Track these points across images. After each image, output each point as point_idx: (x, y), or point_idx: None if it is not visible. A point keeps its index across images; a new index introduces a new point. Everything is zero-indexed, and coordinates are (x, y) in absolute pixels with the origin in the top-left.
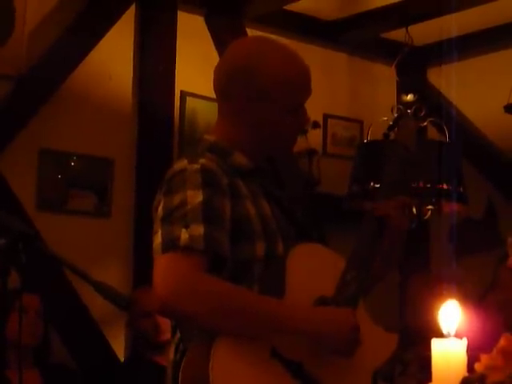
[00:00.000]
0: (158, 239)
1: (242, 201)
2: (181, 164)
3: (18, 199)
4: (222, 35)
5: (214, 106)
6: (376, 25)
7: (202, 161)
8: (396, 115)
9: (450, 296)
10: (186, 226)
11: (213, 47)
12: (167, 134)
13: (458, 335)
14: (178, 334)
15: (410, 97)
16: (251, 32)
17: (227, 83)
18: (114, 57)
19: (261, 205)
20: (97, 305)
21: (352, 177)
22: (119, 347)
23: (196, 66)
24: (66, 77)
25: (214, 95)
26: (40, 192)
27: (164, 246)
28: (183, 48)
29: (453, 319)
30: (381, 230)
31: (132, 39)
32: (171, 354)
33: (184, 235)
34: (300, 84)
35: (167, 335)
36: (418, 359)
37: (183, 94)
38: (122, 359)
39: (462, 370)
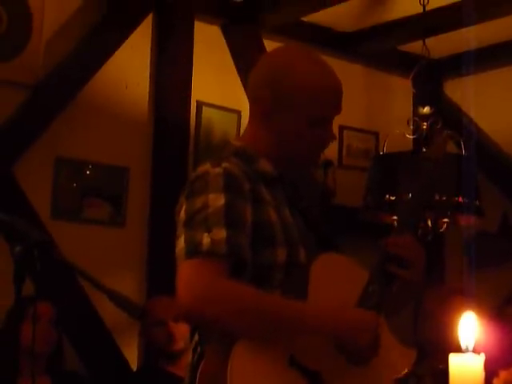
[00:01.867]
0: (180, 244)
1: (264, 206)
2: (204, 167)
3: (33, 207)
4: (239, 45)
5: (230, 117)
6: (392, 37)
7: (225, 164)
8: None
9: (467, 309)
10: (208, 230)
11: (229, 57)
12: (183, 144)
13: (476, 350)
14: (196, 337)
15: (426, 109)
16: (268, 43)
17: (256, 86)
18: (130, 66)
19: (283, 212)
20: (110, 313)
21: (367, 188)
22: (132, 356)
23: (212, 76)
24: (83, 85)
25: (229, 105)
26: (55, 200)
27: (187, 252)
28: (200, 58)
29: (471, 333)
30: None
31: (149, 49)
32: (189, 357)
33: (206, 240)
34: (326, 97)
35: (180, 344)
36: (433, 373)
37: (199, 104)
38: (135, 368)
39: None
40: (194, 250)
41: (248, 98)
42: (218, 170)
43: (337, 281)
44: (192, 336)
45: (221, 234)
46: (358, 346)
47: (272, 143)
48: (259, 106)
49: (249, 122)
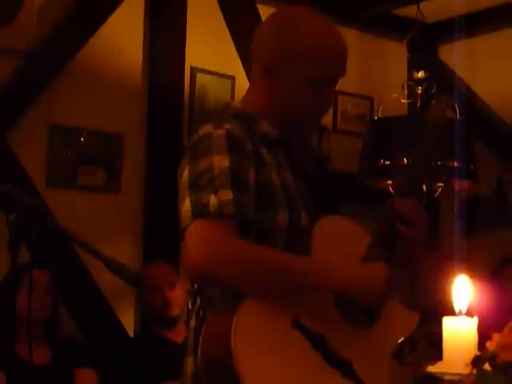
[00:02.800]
0: (186, 206)
1: (266, 168)
2: (206, 129)
3: (28, 174)
4: (233, 11)
5: (224, 82)
6: (387, 1)
7: (228, 126)
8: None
9: (461, 273)
10: (215, 192)
11: (224, 23)
12: (177, 110)
13: (470, 313)
14: (199, 301)
15: (420, 74)
16: (262, 8)
17: (261, 44)
18: (124, 32)
19: (284, 175)
20: (106, 280)
21: (362, 154)
22: (129, 322)
23: (206, 42)
24: (76, 52)
25: (224, 71)
26: (50, 167)
27: (194, 213)
28: (194, 23)
29: (465, 297)
30: (396, 229)
31: (142, 14)
32: (193, 320)
33: (213, 201)
34: (331, 59)
35: (176, 310)
36: (427, 336)
37: (193, 70)
38: (132, 334)
39: (472, 349)
40: (201, 211)
41: (252, 58)
42: (220, 131)
43: (339, 243)
44: (194, 300)
45: (227, 195)
46: (369, 301)
47: (273, 104)
48: (261, 65)
49: (251, 83)
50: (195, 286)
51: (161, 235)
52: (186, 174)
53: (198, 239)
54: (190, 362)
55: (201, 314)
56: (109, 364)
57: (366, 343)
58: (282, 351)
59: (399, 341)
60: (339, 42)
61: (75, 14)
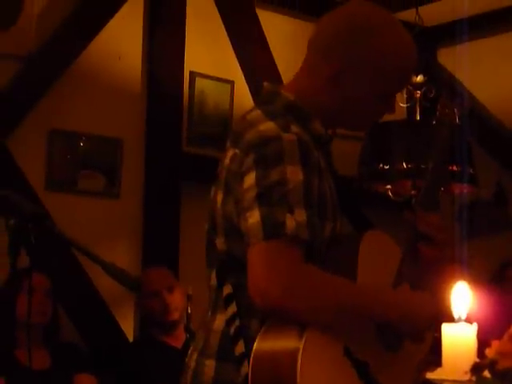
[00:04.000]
0: (255, 219)
1: (323, 177)
2: (271, 128)
3: (28, 179)
4: (232, 16)
5: (223, 87)
6: (385, 5)
7: (296, 130)
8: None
9: (460, 278)
10: (290, 211)
11: (222, 28)
12: (176, 115)
13: (469, 320)
14: (235, 308)
15: (419, 78)
16: (260, 12)
17: (337, 41)
18: (123, 37)
19: (329, 180)
20: (106, 285)
21: (361, 158)
22: (128, 327)
23: (205, 47)
24: (76, 57)
25: (222, 76)
26: (49, 172)
27: (266, 232)
28: (193, 28)
29: (464, 303)
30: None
31: (142, 19)
32: (219, 323)
33: (290, 222)
34: (404, 74)
35: (175, 315)
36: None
37: (192, 75)
38: (131, 339)
39: (472, 356)
40: (276, 232)
41: (314, 48)
42: (291, 137)
43: (379, 258)
44: (227, 305)
45: (302, 215)
46: (416, 333)
47: (330, 106)
48: (329, 68)
49: (307, 72)
50: (227, 289)
51: (160, 240)
52: (252, 180)
53: (270, 264)
54: (209, 365)
55: (237, 323)
56: (108, 369)
57: (402, 365)
58: (335, 379)
59: (422, 357)
60: (414, 59)
61: (74, 18)
